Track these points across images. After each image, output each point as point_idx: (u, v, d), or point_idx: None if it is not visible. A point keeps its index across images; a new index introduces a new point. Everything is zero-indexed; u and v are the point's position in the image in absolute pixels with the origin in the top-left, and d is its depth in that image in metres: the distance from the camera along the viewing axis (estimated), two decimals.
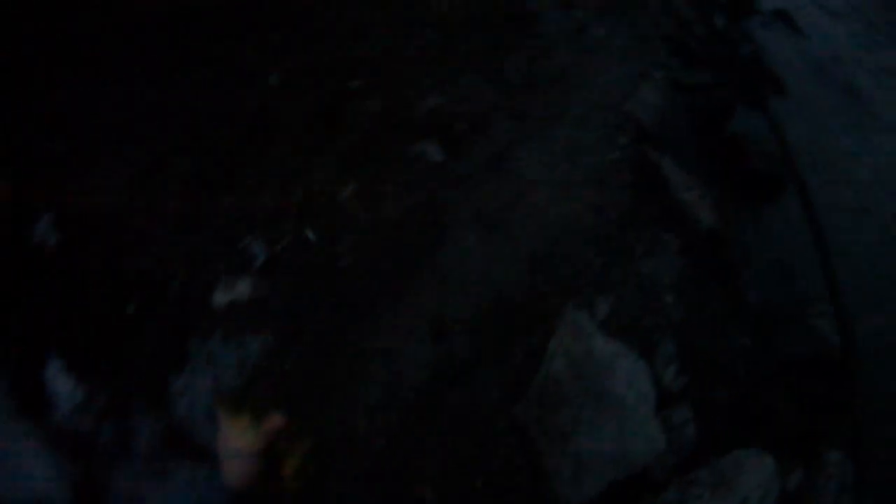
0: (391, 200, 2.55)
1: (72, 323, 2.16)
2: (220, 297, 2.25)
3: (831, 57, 5.45)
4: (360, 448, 2.20)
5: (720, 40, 4.71)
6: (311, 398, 2.20)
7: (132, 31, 2.77)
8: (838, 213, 4.00)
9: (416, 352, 2.36)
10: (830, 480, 2.89)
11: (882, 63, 5.52)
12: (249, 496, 0.85)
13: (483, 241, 2.57)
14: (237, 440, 0.87)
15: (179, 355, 2.14)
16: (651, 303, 2.82)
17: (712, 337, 3.00)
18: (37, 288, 2.19)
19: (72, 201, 2.36)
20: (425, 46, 3.14)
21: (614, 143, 3.23)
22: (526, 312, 2.52)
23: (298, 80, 2.78)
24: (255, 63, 2.78)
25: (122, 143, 2.54)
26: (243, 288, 2.27)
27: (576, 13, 3.99)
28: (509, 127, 3.01)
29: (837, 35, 5.65)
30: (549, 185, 2.88)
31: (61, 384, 2.01)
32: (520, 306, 2.52)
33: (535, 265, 2.61)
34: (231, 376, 2.09)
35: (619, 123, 3.35)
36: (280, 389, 2.17)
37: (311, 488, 1.68)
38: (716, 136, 3.95)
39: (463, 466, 2.34)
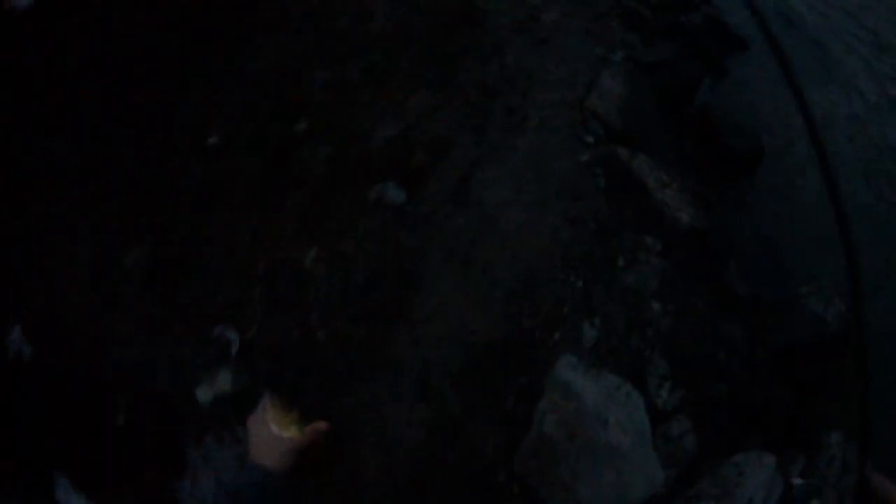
0: (356, 257, 2.39)
1: (68, 438, 2.08)
2: (204, 394, 2.16)
3: (790, 5, 5.29)
4: None
5: (676, 5, 4.51)
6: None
7: (56, 94, 2.53)
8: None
9: (407, 414, 2.25)
10: (833, 461, 2.88)
11: (839, 5, 5.37)
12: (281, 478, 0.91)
13: (458, 284, 2.43)
14: (281, 430, 0.95)
15: (178, 460, 2.05)
16: (638, 316, 2.73)
17: (703, 337, 2.93)
18: (26, 402, 2.10)
19: (36, 309, 2.22)
20: (371, 69, 2.91)
21: (582, 145, 3.08)
22: (511, 354, 2.40)
23: (240, 133, 2.56)
24: (192, 119, 2.55)
25: (72, 234, 2.36)
26: (224, 380, 2.18)
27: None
28: (470, 145, 2.83)
29: None
30: (519, 204, 2.73)
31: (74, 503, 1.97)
32: (504, 348, 2.40)
33: (515, 300, 2.48)
34: (231, 473, 2.03)
35: (585, 121, 3.18)
36: None
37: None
38: (685, 113, 3.80)
39: None
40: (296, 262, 2.36)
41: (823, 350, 3.22)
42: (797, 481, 2.57)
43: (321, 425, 0.99)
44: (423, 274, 2.40)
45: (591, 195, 2.90)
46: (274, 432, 0.94)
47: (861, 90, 5.04)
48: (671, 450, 2.54)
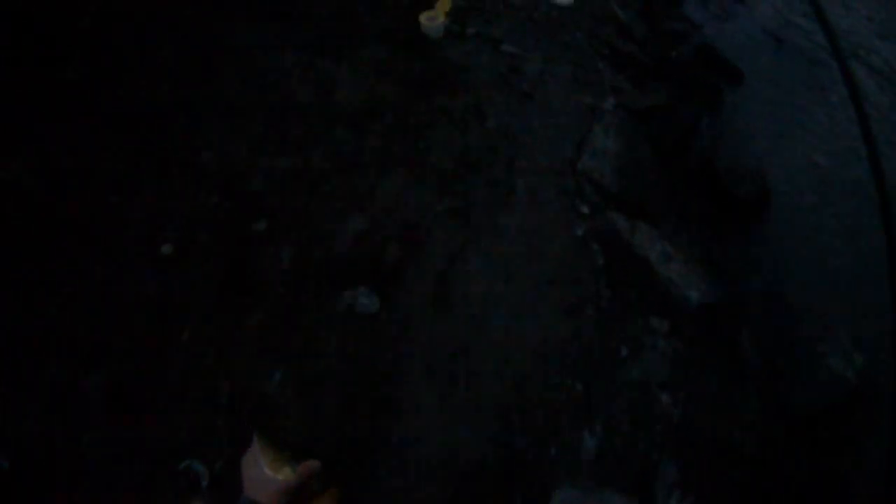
0: (327, 380, 2.11)
1: None
2: None
3: (779, 23, 5.04)
4: None
5: (665, 37, 4.24)
6: None
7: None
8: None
9: None
10: None
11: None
12: None
13: (441, 403, 2.16)
14: (274, 472, 0.95)
15: None
16: (645, 413, 2.45)
17: (716, 420, 2.66)
18: None
19: (4, 428, 2.01)
20: (335, 149, 2.65)
21: (577, 217, 2.80)
22: (503, 478, 2.13)
23: (195, 238, 2.30)
24: (143, 225, 2.31)
25: (30, 355, 2.14)
26: None
27: (504, 48, 3.49)
28: (450, 231, 2.56)
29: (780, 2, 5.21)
30: (509, 299, 2.45)
31: None
32: (496, 472, 2.12)
33: (506, 415, 2.21)
34: None
35: (578, 188, 2.92)
36: None
37: None
38: (684, 160, 3.53)
39: None
40: (260, 387, 2.09)
41: (844, 409, 2.98)
42: None
43: (313, 465, 0.98)
44: (402, 394, 2.13)
45: (589, 277, 2.63)
46: (267, 474, 0.94)
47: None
48: None
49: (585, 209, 2.81)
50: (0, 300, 2.22)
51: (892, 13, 5.75)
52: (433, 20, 3.31)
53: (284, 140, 2.61)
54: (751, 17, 5.06)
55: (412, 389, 2.16)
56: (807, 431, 2.88)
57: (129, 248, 2.30)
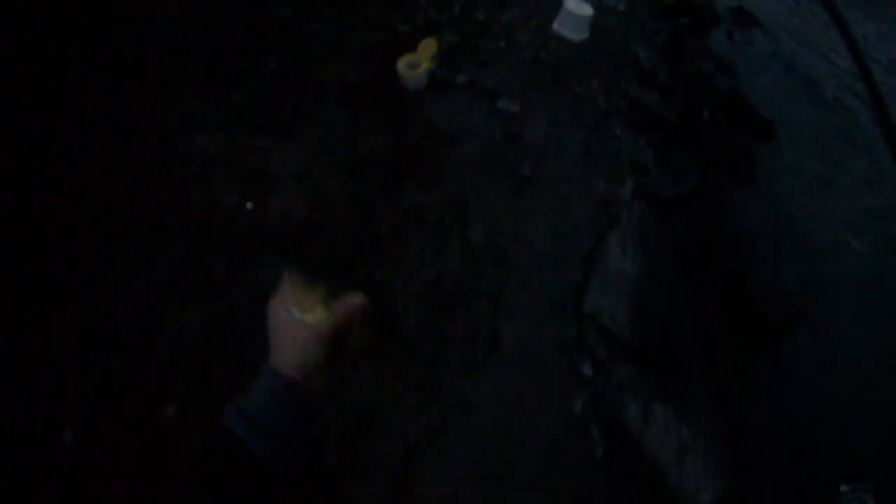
0: None
1: None
2: None
3: (808, 64, 4.37)
4: None
5: (689, 80, 3.48)
6: None
7: None
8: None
9: None
10: None
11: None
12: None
13: None
14: (304, 313, 0.66)
15: None
16: None
17: None
18: None
19: None
20: (263, 289, 1.90)
21: (576, 382, 2.19)
22: None
23: (97, 423, 1.69)
24: (43, 404, 1.68)
25: None
26: None
27: (502, 106, 2.70)
28: (410, 416, 1.93)
29: (802, 29, 4.49)
30: None
31: None
32: None
33: None
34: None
35: (580, 338, 2.28)
36: None
37: None
38: (712, 270, 2.87)
39: None
40: None
41: None
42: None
43: (354, 301, 0.68)
44: None
45: (583, 473, 2.05)
46: (296, 316, 0.67)
47: None
48: None
49: (588, 370, 2.19)
50: None
51: None
52: (414, 67, 2.47)
53: (202, 278, 1.87)
54: (777, 53, 4.35)
55: None
56: None
57: (32, 430, 1.63)
